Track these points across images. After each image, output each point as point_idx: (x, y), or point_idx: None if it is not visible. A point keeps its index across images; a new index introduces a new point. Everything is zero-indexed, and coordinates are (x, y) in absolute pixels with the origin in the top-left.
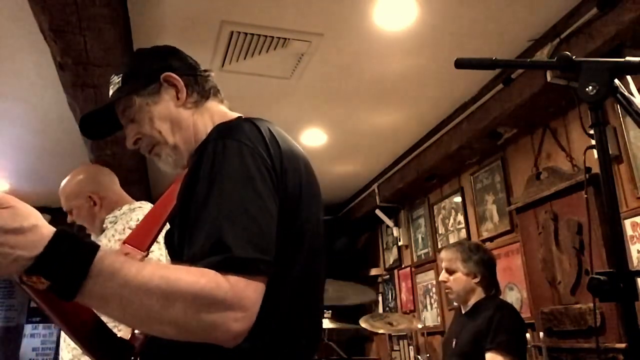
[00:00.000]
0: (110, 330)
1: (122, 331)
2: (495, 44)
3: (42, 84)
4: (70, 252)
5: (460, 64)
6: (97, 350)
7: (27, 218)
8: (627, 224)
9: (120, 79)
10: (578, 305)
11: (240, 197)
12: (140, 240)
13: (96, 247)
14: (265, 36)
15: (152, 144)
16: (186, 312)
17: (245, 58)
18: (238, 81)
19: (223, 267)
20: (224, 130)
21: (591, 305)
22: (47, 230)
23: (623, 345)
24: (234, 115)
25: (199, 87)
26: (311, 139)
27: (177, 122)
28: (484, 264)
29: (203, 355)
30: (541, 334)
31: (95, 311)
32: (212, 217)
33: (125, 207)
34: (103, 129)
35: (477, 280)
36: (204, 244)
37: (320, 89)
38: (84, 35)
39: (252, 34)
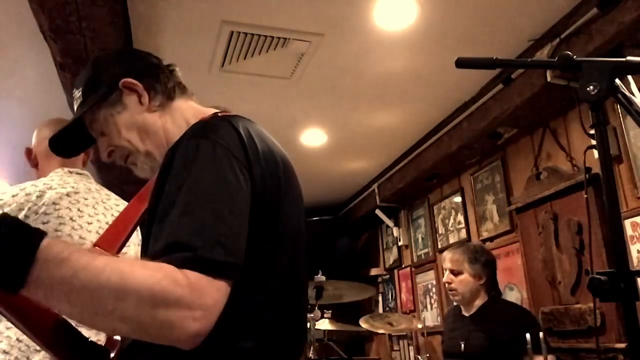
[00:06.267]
0: (78, 332)
1: (98, 336)
2: (495, 43)
3: (42, 84)
4: (14, 237)
5: (461, 63)
6: (63, 352)
7: None
8: (627, 224)
9: (80, 93)
10: (578, 305)
11: (211, 196)
12: (110, 242)
13: (43, 233)
14: (265, 36)
15: (126, 154)
16: (138, 308)
17: (245, 58)
18: (238, 81)
19: (185, 265)
20: (199, 130)
21: (591, 305)
22: None
23: (623, 345)
24: (209, 111)
25: (162, 86)
26: (311, 138)
27: (144, 128)
28: (488, 266)
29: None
30: (541, 334)
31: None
32: (178, 216)
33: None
34: (79, 144)
35: (482, 281)
36: (167, 242)
37: (320, 89)
38: (84, 35)
39: (252, 34)
